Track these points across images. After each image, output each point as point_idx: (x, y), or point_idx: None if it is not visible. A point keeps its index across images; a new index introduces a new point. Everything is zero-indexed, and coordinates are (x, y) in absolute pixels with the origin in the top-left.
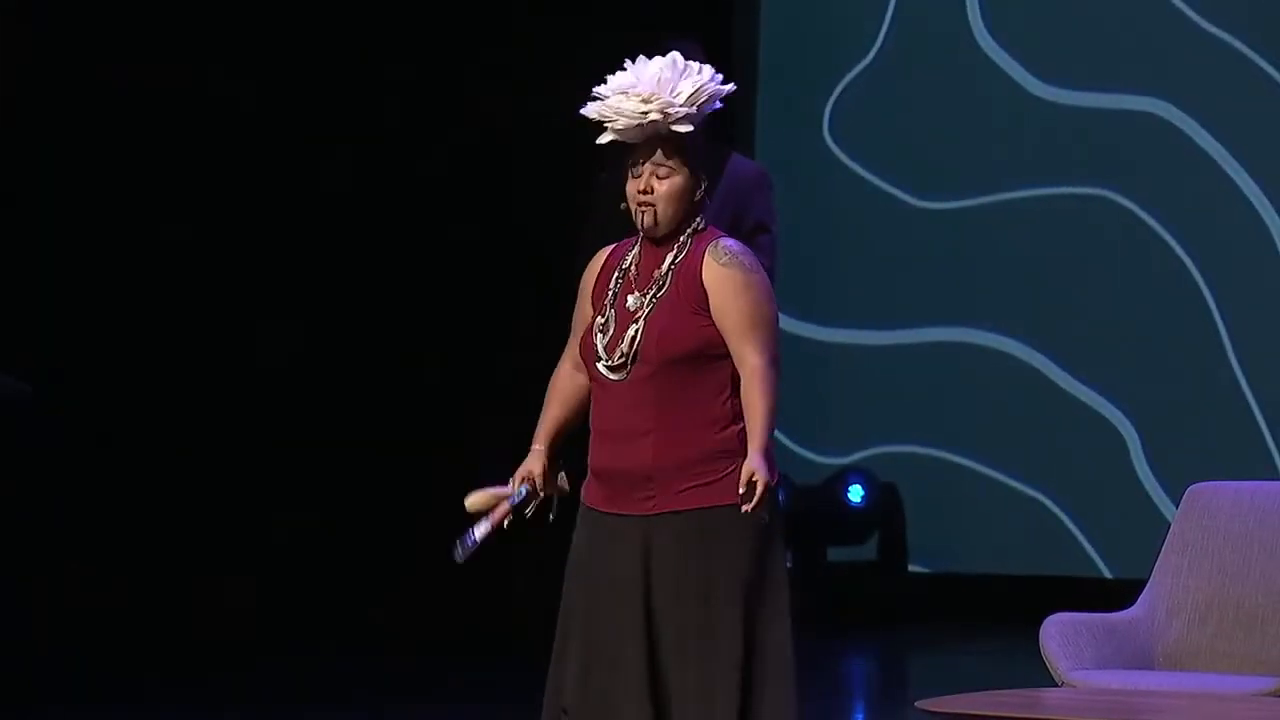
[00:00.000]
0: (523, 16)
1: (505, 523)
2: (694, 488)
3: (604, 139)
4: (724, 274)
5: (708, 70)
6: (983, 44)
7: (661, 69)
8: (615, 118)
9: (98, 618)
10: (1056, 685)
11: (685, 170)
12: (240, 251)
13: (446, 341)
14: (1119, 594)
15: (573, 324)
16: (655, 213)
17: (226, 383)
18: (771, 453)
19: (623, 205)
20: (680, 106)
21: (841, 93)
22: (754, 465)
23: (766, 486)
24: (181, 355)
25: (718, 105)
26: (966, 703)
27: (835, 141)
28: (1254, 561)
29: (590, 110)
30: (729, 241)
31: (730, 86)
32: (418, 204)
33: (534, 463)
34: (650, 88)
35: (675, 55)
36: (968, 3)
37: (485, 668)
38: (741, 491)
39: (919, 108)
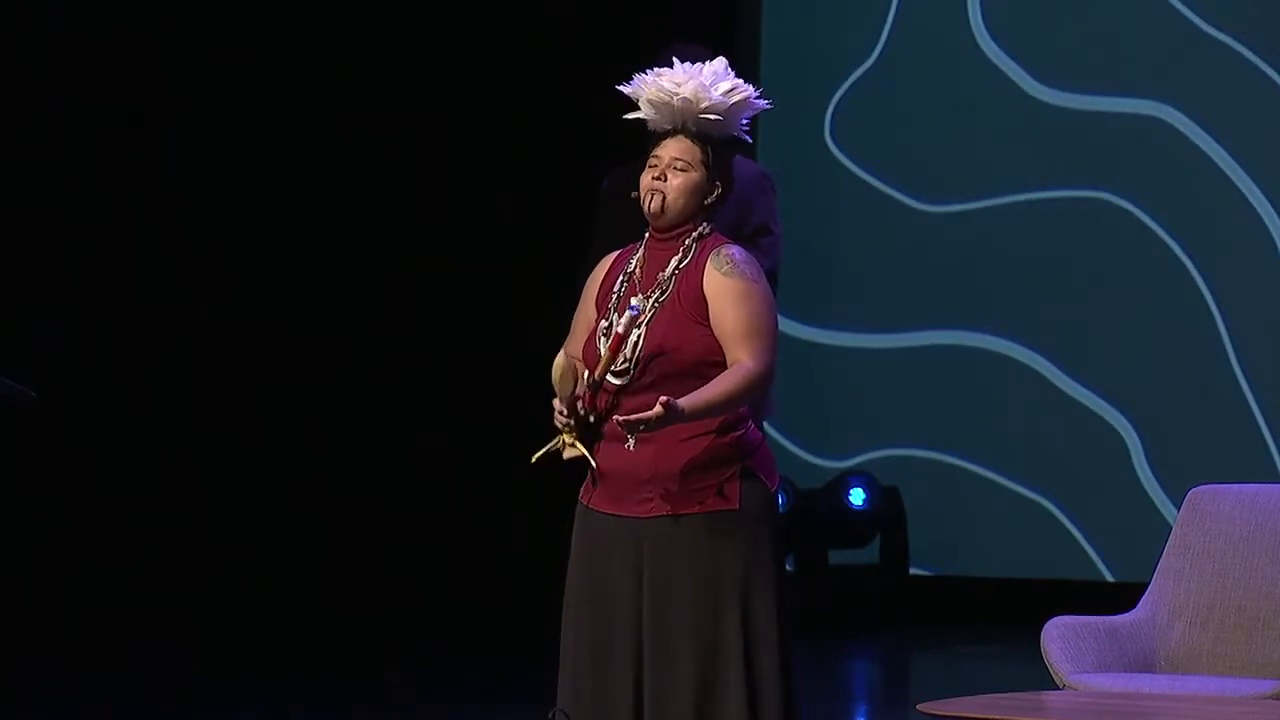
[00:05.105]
0: (519, 24)
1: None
2: (692, 491)
3: (632, 115)
4: (725, 283)
5: (750, 86)
6: (984, 47)
7: (708, 64)
8: (647, 92)
9: (98, 620)
10: (1058, 688)
11: (703, 169)
12: (247, 250)
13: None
14: (1120, 597)
15: (573, 323)
16: (664, 200)
17: (230, 382)
18: (703, 420)
19: (634, 194)
20: (714, 96)
21: (843, 96)
22: (661, 404)
23: (642, 422)
24: (193, 349)
25: (745, 125)
26: (968, 705)
27: (837, 145)
28: (1255, 564)
29: (625, 88)
30: (732, 249)
31: (767, 103)
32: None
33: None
34: (690, 74)
35: (724, 60)
36: (969, 6)
37: (489, 667)
38: (636, 416)
39: (921, 111)
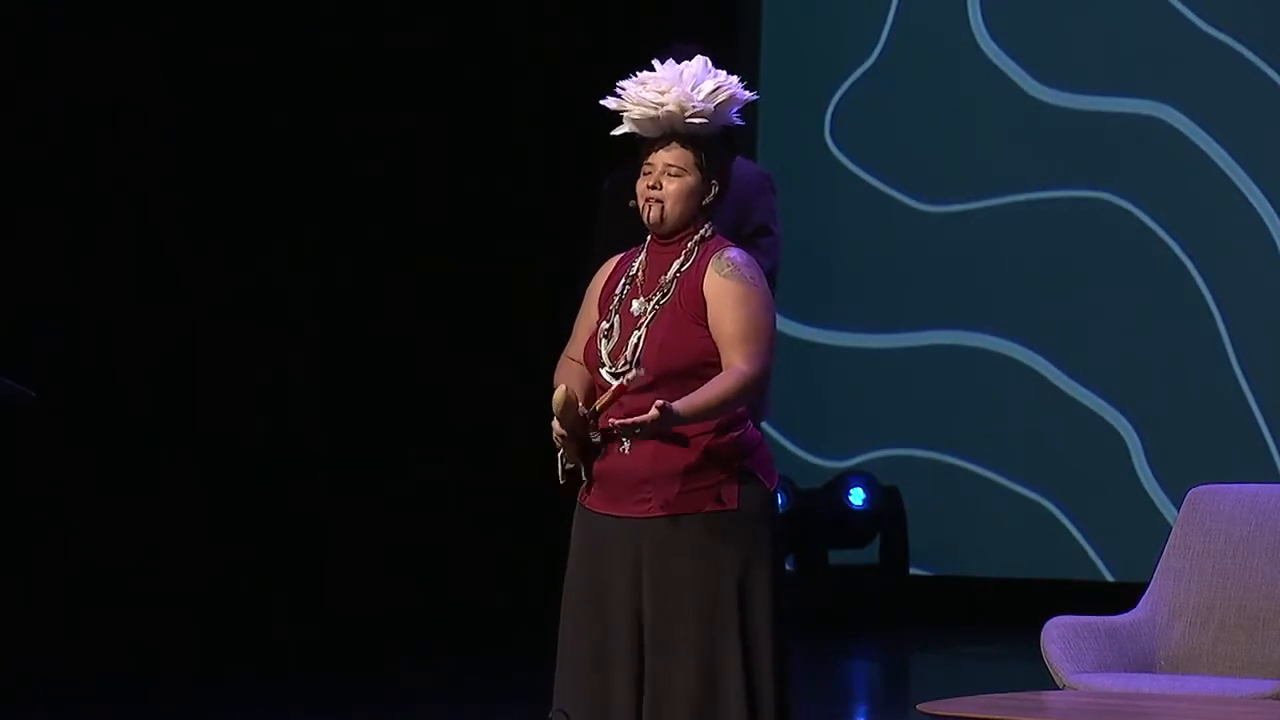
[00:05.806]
0: (519, 24)
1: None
2: (690, 492)
3: (619, 130)
4: (724, 285)
5: (734, 78)
6: (984, 47)
7: (687, 66)
8: (632, 107)
9: (98, 620)
10: (1058, 688)
11: (697, 172)
12: (247, 250)
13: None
14: (1120, 597)
15: (575, 326)
16: (663, 209)
17: (236, 384)
18: (696, 423)
19: (631, 202)
20: (698, 101)
21: (843, 96)
22: (656, 407)
23: (637, 426)
24: (197, 349)
25: (737, 113)
26: (968, 705)
27: (837, 145)
28: (1255, 564)
29: (609, 101)
30: (733, 252)
31: (753, 94)
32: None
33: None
34: (671, 81)
35: (704, 59)
36: (969, 6)
37: (489, 667)
38: (631, 420)
39: (921, 111)
